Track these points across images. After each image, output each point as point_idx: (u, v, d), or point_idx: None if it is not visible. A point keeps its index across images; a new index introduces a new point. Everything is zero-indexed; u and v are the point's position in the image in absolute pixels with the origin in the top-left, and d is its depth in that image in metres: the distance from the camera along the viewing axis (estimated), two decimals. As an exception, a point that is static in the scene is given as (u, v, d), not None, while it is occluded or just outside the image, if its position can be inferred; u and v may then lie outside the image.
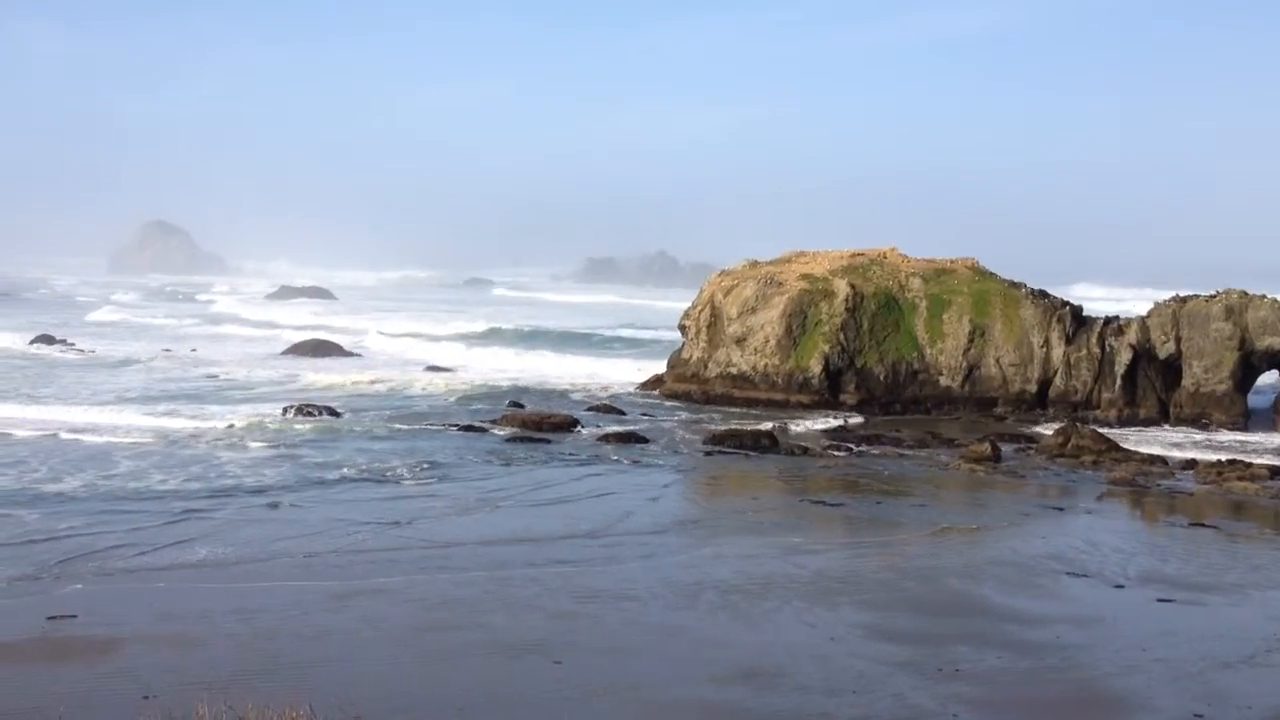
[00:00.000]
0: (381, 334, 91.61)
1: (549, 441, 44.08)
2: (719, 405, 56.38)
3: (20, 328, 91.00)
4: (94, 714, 16.71)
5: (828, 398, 56.28)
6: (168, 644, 19.84)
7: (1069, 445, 44.60)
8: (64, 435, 42.22)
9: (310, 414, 48.82)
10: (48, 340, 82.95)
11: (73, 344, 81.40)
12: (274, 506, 31.79)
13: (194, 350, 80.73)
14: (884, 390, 57.20)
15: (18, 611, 21.60)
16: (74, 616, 21.13)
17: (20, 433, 42.44)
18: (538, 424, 47.29)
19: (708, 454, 43.23)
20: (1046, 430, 49.71)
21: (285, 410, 49.45)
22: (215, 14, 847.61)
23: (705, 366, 59.69)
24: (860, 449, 45.16)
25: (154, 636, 20.26)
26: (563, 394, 58.63)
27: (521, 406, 52.57)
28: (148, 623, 21.05)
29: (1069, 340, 56.87)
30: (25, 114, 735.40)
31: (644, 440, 45.12)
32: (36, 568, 24.82)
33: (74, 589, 23.28)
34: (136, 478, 35.47)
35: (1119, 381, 55.27)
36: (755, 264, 63.73)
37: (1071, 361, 56.47)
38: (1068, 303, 59.31)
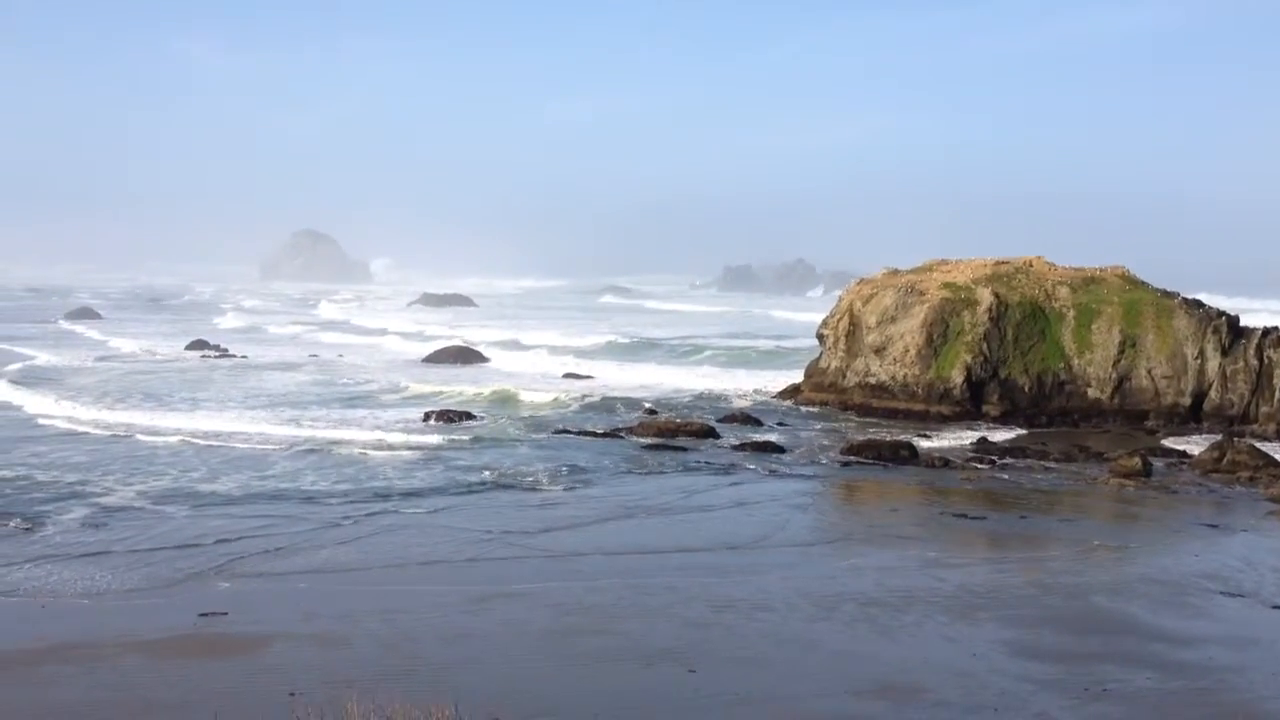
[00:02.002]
0: (520, 341, 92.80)
1: (685, 449, 44.07)
2: (857, 415, 55.68)
3: (164, 334, 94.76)
4: (243, 708, 17.21)
5: (969, 409, 55.12)
6: (313, 642, 20.36)
7: (1224, 460, 42.86)
8: (219, 438, 43.80)
9: (452, 420, 49.71)
10: (201, 346, 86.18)
11: (225, 349, 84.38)
12: (415, 511, 32.43)
13: (340, 356, 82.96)
14: (1029, 402, 55.77)
15: (171, 608, 22.43)
16: (225, 614, 21.83)
17: (177, 436, 44.17)
18: (674, 432, 47.31)
19: (845, 464, 42.71)
20: (1200, 445, 47.85)
21: (427, 416, 50.45)
22: (361, 31, 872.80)
23: (843, 376, 59.02)
24: (1003, 462, 44.08)
25: (300, 635, 20.81)
26: (698, 402, 58.56)
27: (657, 414, 52.70)
28: (294, 621, 21.64)
29: (1225, 352, 54.69)
30: (186, 129, 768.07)
31: (780, 450, 44.79)
32: (190, 566, 25.78)
33: (225, 587, 24.10)
34: (288, 479, 36.64)
35: (1278, 394, 52.97)
36: (895, 272, 62.83)
37: (1228, 374, 54.29)
38: (1224, 313, 57.05)
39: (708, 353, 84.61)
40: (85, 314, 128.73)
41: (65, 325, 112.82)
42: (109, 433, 44.81)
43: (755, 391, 63.11)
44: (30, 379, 62.63)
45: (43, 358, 75.88)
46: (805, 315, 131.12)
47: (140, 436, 43.96)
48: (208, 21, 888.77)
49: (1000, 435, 50.81)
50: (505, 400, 57.55)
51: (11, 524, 29.46)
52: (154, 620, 21.51)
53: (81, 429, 45.62)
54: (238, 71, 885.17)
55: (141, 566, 25.70)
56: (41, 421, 47.38)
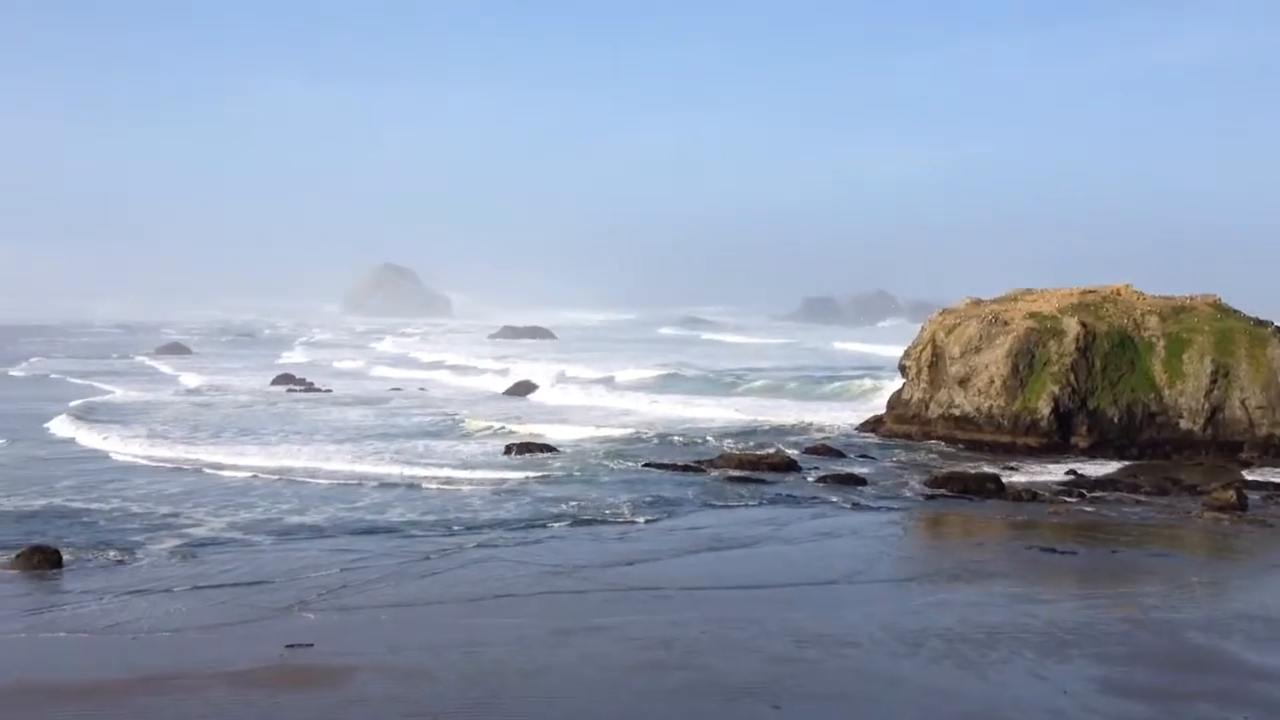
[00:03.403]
0: (599, 373, 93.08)
1: (767, 482, 43.82)
2: (941, 447, 54.97)
3: (252, 368, 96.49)
4: (329, 740, 17.31)
5: (1057, 441, 54.14)
6: (397, 674, 20.46)
7: (1324, 494, 41.61)
8: (308, 471, 44.53)
9: (533, 452, 49.93)
10: (287, 380, 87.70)
11: (311, 384, 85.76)
12: (498, 544, 32.58)
13: (422, 389, 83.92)
14: (1118, 433, 54.64)
15: (258, 639, 22.71)
16: (310, 645, 22.05)
17: (267, 469, 45.01)
18: (754, 464, 47.06)
19: (930, 497, 42.15)
20: (1299, 477, 46.48)
21: (509, 449, 50.76)
22: (436, 71, 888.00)
23: (926, 407, 58.35)
24: (1093, 495, 43.19)
25: (384, 667, 20.93)
26: (779, 435, 58.22)
27: (738, 447, 52.48)
28: (378, 653, 21.78)
29: (1322, 381, 53.19)
30: (270, 166, 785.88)
31: (863, 482, 44.34)
32: (277, 597, 26.11)
33: (310, 619, 24.36)
34: (375, 511, 37.13)
35: (1380, 426, 51.35)
36: (978, 302, 62.09)
37: (1326, 404, 52.77)
38: (1322, 341, 55.55)
39: (786, 384, 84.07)
40: (175, 349, 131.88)
41: (155, 361, 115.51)
42: (202, 466, 45.72)
43: (837, 424, 62.52)
44: (125, 415, 64.17)
45: (135, 393, 77.76)
46: (868, 347, 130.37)
47: (232, 470, 44.81)
48: (291, 60, 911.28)
49: (1089, 468, 49.81)
50: (585, 434, 57.68)
51: (107, 555, 30.16)
52: (241, 651, 21.79)
53: (175, 463, 46.59)
54: (321, 109, 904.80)
55: (230, 598, 26.11)
56: (137, 456, 48.50)
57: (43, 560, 28.82)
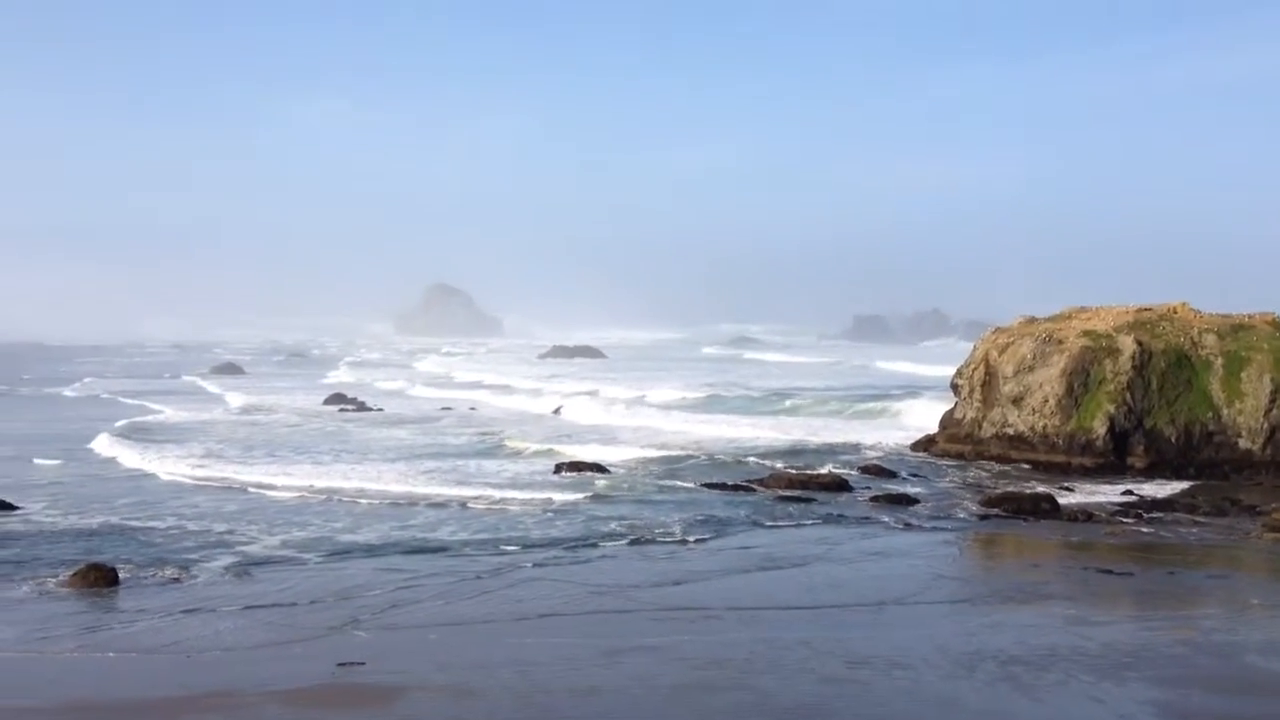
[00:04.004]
0: (647, 393, 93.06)
1: (817, 502, 43.57)
2: (994, 467, 54.42)
3: (304, 388, 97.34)
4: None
5: (1113, 461, 53.43)
6: (448, 693, 20.50)
7: (1389, 515, 40.73)
8: (359, 490, 44.87)
9: (582, 471, 49.98)
10: (339, 400, 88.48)
11: (363, 403, 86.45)
12: (549, 563, 32.61)
13: (472, 409, 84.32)
14: (1175, 453, 53.84)
15: (310, 658, 22.84)
16: (362, 664, 22.14)
17: (320, 487, 45.42)
18: (805, 484, 46.82)
19: (983, 518, 41.71)
20: (1362, 498, 45.58)
21: (558, 468, 50.85)
22: (482, 90, 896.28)
23: (979, 426, 57.83)
24: (1150, 515, 42.55)
25: (435, 686, 20.97)
26: (830, 454, 57.91)
27: (787, 467, 52.24)
28: (429, 672, 21.83)
29: (1386, 400, 52.17)
30: (321, 186, 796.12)
31: (915, 502, 43.98)
32: (329, 616, 26.26)
33: (362, 637, 24.48)
34: (427, 529, 37.37)
35: None
36: (1032, 320, 61.51)
37: (1390, 423, 51.74)
38: (1384, 359, 54.49)
39: (837, 404, 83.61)
40: (229, 369, 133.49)
41: (209, 381, 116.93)
42: (256, 485, 46.14)
43: (888, 443, 62.12)
44: (180, 434, 64.97)
45: (187, 413, 78.71)
46: (910, 366, 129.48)
47: (285, 489, 45.22)
48: (343, 80, 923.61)
49: (1146, 488, 49.12)
50: (633, 454, 57.65)
51: (162, 572, 30.51)
52: (293, 669, 21.93)
53: (229, 482, 47.07)
54: (374, 128, 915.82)
55: (282, 616, 26.30)
56: (194, 474, 49.04)
57: (99, 578, 29.18)
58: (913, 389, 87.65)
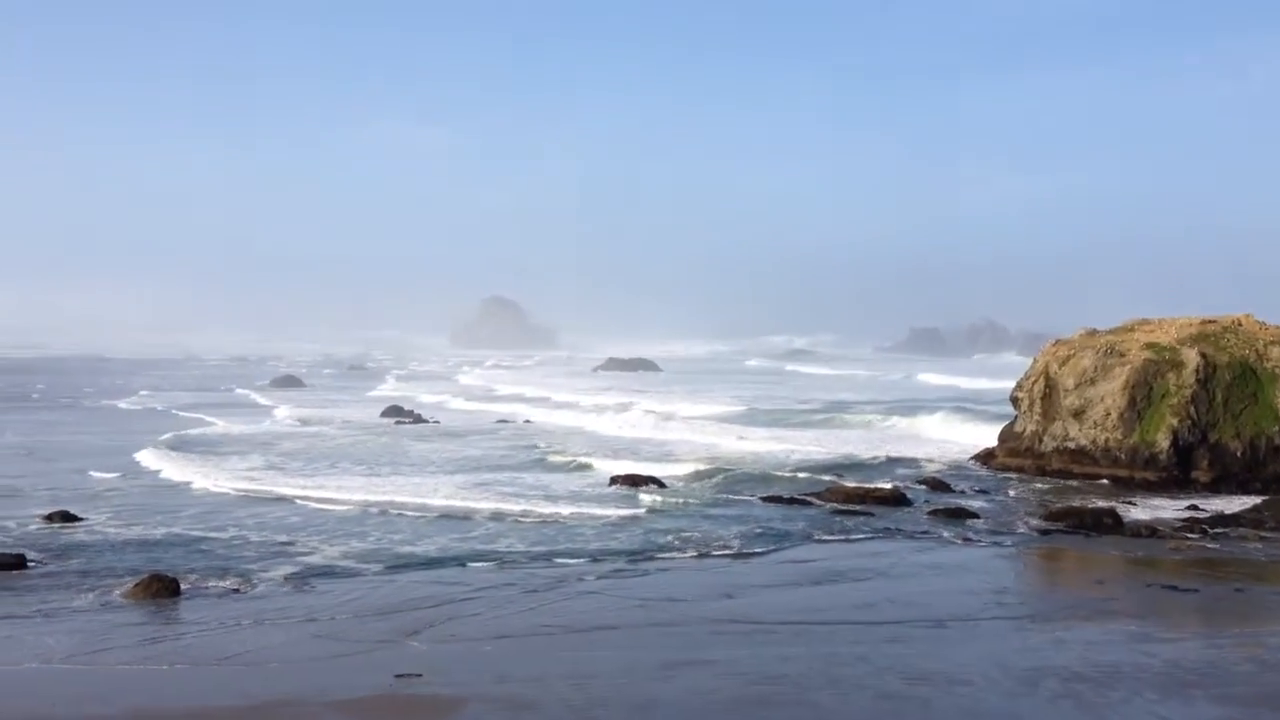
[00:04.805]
0: (700, 406, 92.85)
1: (875, 515, 43.23)
2: (1054, 481, 53.71)
3: (362, 400, 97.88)
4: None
5: (1177, 475, 52.55)
6: (504, 705, 20.53)
7: None
8: (418, 503, 45.10)
9: (638, 484, 49.93)
10: (396, 412, 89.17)
11: (420, 416, 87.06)
12: (606, 575, 32.61)
13: (528, 422, 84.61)
14: (1241, 467, 52.85)
15: (369, 668, 22.97)
16: (419, 675, 22.23)
17: (380, 499, 45.72)
18: (862, 498, 46.47)
19: (1044, 533, 41.16)
20: None
21: (614, 481, 50.85)
22: (546, 111, 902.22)
23: (1039, 440, 57.13)
24: (1216, 531, 41.79)
25: (492, 697, 21.02)
26: (887, 468, 57.45)
27: (845, 480, 51.88)
28: (486, 684, 21.88)
29: None
30: (383, 201, 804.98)
31: (975, 516, 43.50)
32: (387, 626, 26.42)
33: (420, 648, 24.59)
34: (486, 541, 37.57)
35: None
36: (1093, 333, 60.71)
37: None
38: None
39: (894, 417, 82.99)
40: (288, 381, 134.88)
41: (268, 393, 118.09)
42: (317, 498, 46.45)
43: (947, 457, 61.56)
44: (240, 446, 65.70)
45: (247, 426, 79.51)
46: (952, 379, 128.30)
47: (345, 501, 45.53)
48: (404, 99, 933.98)
49: (1211, 503, 48.24)
50: (688, 467, 57.53)
51: (223, 583, 30.86)
52: (352, 680, 22.06)
53: (289, 494, 47.45)
54: (433, 145, 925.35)
55: (341, 627, 26.48)
56: (256, 486, 49.46)
57: (161, 589, 29.56)
58: (929, 406, 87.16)
